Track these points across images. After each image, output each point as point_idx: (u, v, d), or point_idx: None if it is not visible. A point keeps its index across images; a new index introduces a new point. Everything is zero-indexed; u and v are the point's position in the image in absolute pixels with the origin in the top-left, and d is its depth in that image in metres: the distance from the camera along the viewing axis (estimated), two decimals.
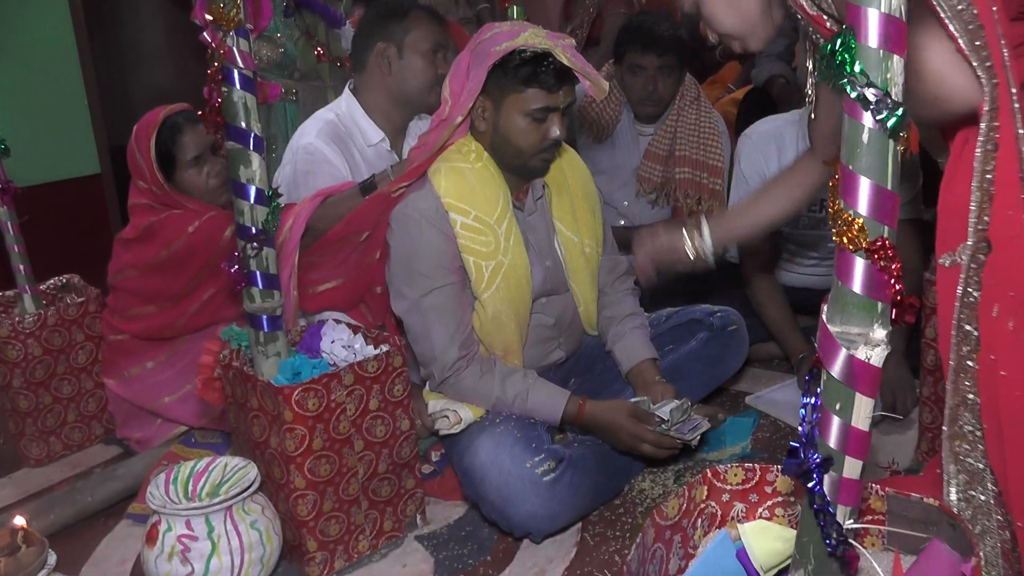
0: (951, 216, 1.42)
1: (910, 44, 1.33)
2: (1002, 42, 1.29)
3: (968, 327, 1.40)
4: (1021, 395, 1.34)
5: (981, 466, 1.41)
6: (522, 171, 2.16)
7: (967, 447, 1.43)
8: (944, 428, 1.44)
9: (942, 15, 1.29)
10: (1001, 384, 1.35)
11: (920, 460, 2.16)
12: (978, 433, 1.41)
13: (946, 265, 1.42)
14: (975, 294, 1.38)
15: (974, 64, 1.29)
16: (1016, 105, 1.31)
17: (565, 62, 2.02)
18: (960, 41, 1.29)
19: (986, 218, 1.36)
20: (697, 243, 2.06)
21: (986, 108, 1.31)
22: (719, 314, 2.42)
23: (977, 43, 1.29)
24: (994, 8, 1.30)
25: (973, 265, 1.38)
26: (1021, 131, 1.32)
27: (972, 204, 1.37)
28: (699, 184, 3.20)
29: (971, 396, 1.41)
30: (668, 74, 3.13)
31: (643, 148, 3.27)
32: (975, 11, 1.29)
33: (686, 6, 1.80)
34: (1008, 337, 1.34)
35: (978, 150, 1.35)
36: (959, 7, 1.29)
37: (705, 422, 2.11)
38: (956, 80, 1.32)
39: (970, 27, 1.29)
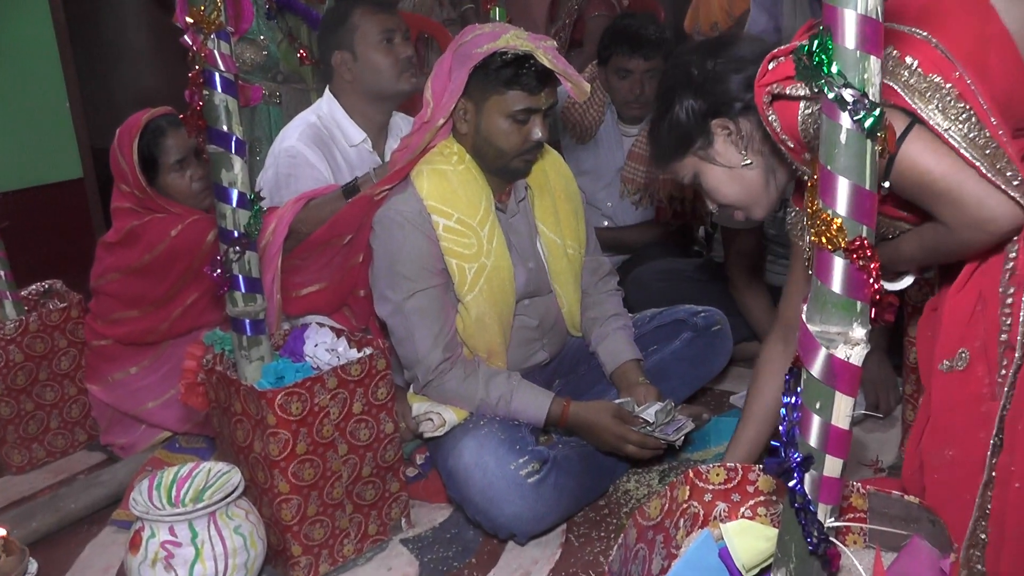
0: (956, 320, 1.45)
1: (936, 176, 1.36)
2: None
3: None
4: None
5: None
6: (504, 173, 2.16)
7: (977, 554, 1.45)
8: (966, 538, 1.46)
9: (956, 147, 1.33)
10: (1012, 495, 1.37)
11: (903, 458, 2.17)
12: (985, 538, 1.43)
13: (943, 371, 1.45)
14: (1007, 406, 1.40)
15: (1001, 186, 1.31)
16: None
17: (547, 64, 2.02)
18: (981, 168, 1.32)
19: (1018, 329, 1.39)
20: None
21: None
22: (703, 314, 2.43)
23: (999, 165, 1.32)
24: (1001, 132, 1.33)
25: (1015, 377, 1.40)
26: None
27: (1001, 321, 1.41)
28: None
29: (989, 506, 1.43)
30: (654, 76, 3.14)
31: (627, 149, 3.27)
32: (987, 133, 1.32)
33: (686, 179, 1.83)
34: None
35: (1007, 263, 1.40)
36: (970, 135, 1.33)
37: (689, 422, 2.12)
38: (995, 199, 1.33)
39: (987, 151, 1.33)
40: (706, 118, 1.72)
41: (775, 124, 1.47)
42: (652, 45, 3.09)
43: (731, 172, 1.74)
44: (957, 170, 1.33)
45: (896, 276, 1.60)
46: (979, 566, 1.44)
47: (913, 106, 1.35)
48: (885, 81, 1.36)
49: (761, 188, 1.74)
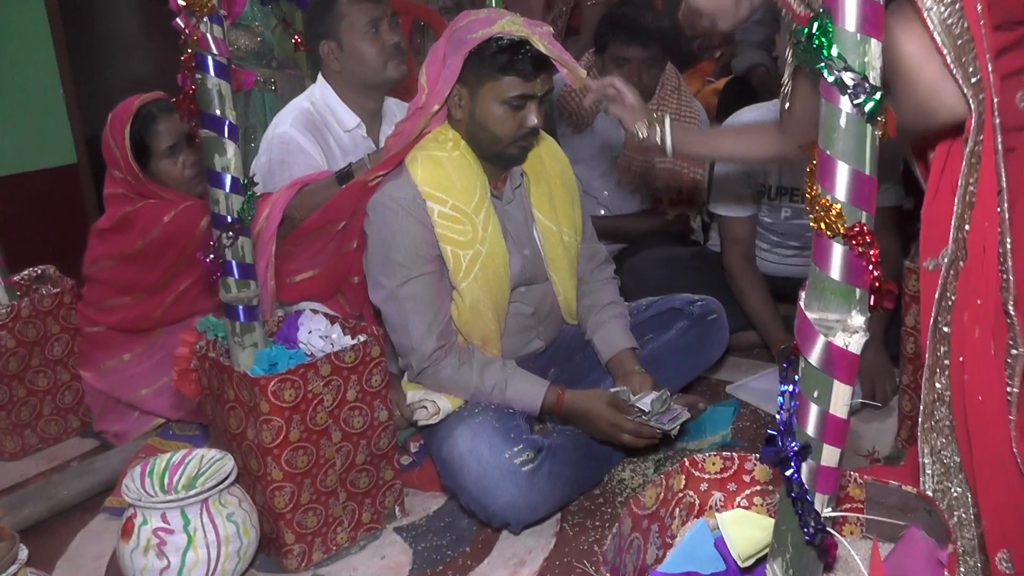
0: (935, 223, 1.44)
1: (902, 53, 1.33)
2: (987, 56, 1.30)
3: (944, 328, 1.42)
4: (983, 400, 1.35)
5: (957, 459, 1.42)
6: (499, 159, 2.14)
7: (943, 440, 1.44)
8: (920, 422, 1.45)
9: (931, 28, 1.29)
10: (966, 386, 1.37)
11: (900, 448, 2.17)
12: (952, 429, 1.42)
13: (929, 269, 1.44)
14: (951, 298, 1.40)
15: (959, 80, 1.29)
16: (996, 120, 1.32)
17: (542, 50, 2.00)
18: (947, 56, 1.29)
19: (966, 227, 1.38)
20: (656, 125, 2.17)
21: (973, 123, 1.32)
22: (699, 303, 2.42)
23: (964, 59, 1.30)
24: (982, 21, 1.30)
25: (952, 271, 1.39)
26: (1000, 146, 1.33)
27: (954, 214, 1.38)
28: (679, 173, 3.19)
29: (947, 394, 1.42)
30: (652, 65, 3.12)
31: (623, 137, 3.25)
32: (966, 24, 1.29)
33: None
34: (974, 343, 1.36)
35: (964, 163, 1.36)
36: (948, 20, 1.30)
37: (685, 412, 2.11)
38: (947, 93, 1.32)
39: (959, 42, 1.29)
40: None
41: None
42: (650, 34, 3.07)
43: None
44: (923, 53, 1.32)
45: None
46: (943, 452, 1.44)
47: None
48: None
49: (731, 2, 1.74)
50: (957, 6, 1.30)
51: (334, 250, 2.31)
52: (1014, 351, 1.36)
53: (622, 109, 2.19)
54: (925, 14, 1.30)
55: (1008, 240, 1.35)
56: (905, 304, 2.06)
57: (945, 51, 1.29)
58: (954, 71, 1.30)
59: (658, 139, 2.16)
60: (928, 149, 1.50)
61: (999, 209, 1.35)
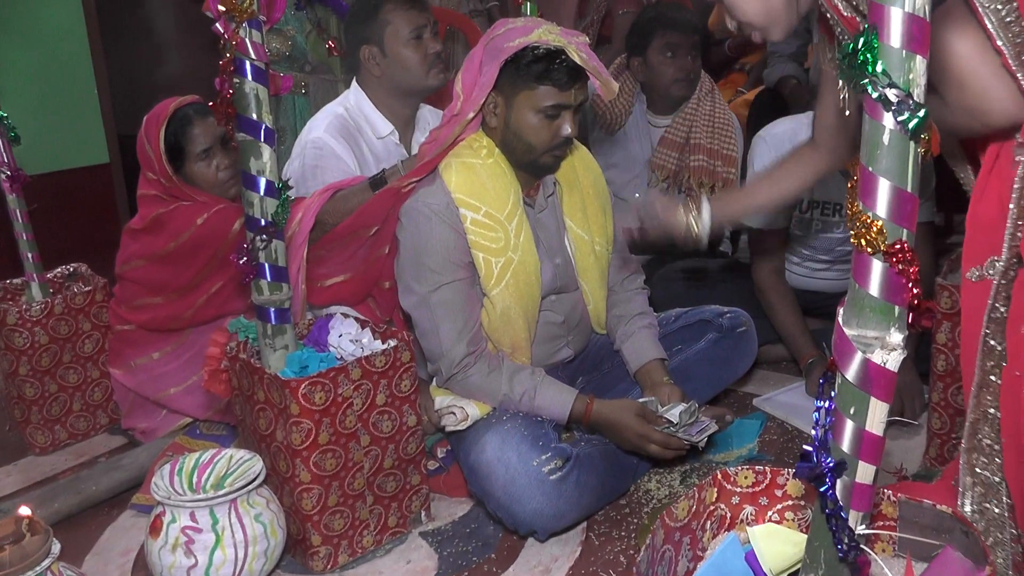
0: (982, 229, 1.40)
1: (954, 53, 1.31)
2: None
3: (993, 342, 1.38)
4: None
5: (997, 479, 1.40)
6: (533, 168, 2.14)
7: (984, 460, 1.42)
8: (963, 441, 1.43)
9: (989, 27, 1.27)
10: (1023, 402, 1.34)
11: (928, 466, 2.15)
12: (996, 447, 1.40)
13: (972, 279, 1.41)
14: (1003, 309, 1.37)
15: (1020, 79, 1.27)
16: None
17: (578, 60, 2.01)
18: (1007, 55, 1.27)
19: (1019, 234, 1.35)
20: (693, 219, 2.05)
21: None
22: (728, 315, 2.41)
23: (1023, 57, 1.27)
24: None
25: (1003, 280, 1.36)
26: None
27: (1008, 219, 1.35)
28: (713, 172, 3.20)
29: (992, 410, 1.39)
30: (697, 55, 3.17)
31: (655, 141, 3.27)
32: None
33: None
34: None
35: (1020, 167, 1.33)
36: (1007, 19, 1.27)
37: (713, 424, 2.10)
38: (1000, 94, 1.30)
39: (1018, 40, 1.27)
40: None
41: None
42: (691, 25, 3.17)
43: None
44: (979, 53, 1.29)
45: None
46: (984, 472, 1.41)
47: None
48: None
49: (782, 8, 1.65)
50: (1014, 4, 1.28)
51: (365, 255, 2.32)
52: None
53: (660, 218, 2.10)
54: (982, 12, 1.28)
55: None
56: (936, 321, 2.05)
57: (1005, 50, 1.27)
58: (1014, 70, 1.28)
59: (696, 229, 2.05)
60: (975, 151, 1.48)
61: None
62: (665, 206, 2.09)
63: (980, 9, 1.28)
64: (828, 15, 1.51)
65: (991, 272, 1.38)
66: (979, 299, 1.39)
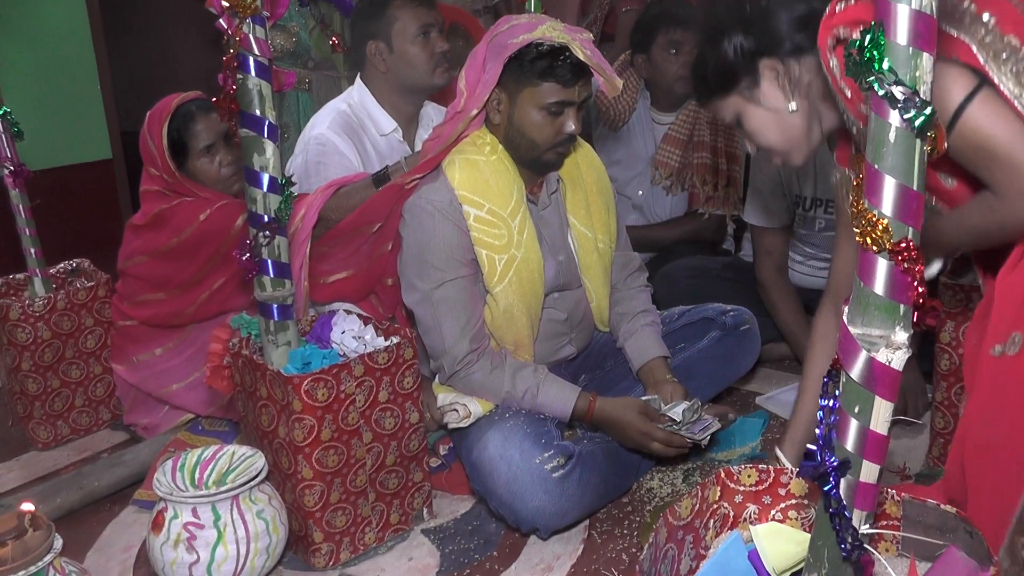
0: (1011, 304, 1.38)
1: (993, 137, 1.30)
2: None
3: None
4: None
5: None
6: (536, 165, 2.14)
7: None
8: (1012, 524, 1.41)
9: (1007, 93, 1.28)
10: None
11: (931, 465, 2.14)
12: None
13: (994, 355, 1.38)
14: None
15: None
16: None
17: (582, 57, 2.00)
18: None
19: None
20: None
21: None
22: (731, 313, 2.41)
23: None
24: None
25: None
26: None
27: None
28: (717, 170, 3.20)
29: None
30: None
31: (659, 138, 3.27)
32: None
33: (727, 117, 1.77)
34: None
35: None
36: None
37: (715, 422, 2.10)
38: None
39: None
40: (754, 57, 1.66)
41: (835, 70, 1.39)
42: (696, 22, 3.11)
43: (775, 116, 1.68)
44: (1021, 137, 1.28)
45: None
46: None
47: (986, 68, 1.30)
48: (960, 36, 1.32)
49: (803, 135, 1.67)
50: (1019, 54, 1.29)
51: (368, 252, 2.32)
52: None
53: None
54: (1016, 103, 1.29)
55: None
56: (940, 320, 2.04)
57: None
58: None
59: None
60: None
61: None
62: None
63: (1015, 102, 1.29)
64: (854, 130, 1.48)
65: (1012, 350, 1.35)
66: (1008, 374, 1.36)
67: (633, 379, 2.31)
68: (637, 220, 3.36)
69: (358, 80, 2.59)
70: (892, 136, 0.92)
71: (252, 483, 1.84)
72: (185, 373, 2.58)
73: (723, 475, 1.33)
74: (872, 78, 0.91)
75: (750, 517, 1.32)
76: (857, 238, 0.95)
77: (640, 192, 3.34)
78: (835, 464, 1.00)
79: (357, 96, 2.57)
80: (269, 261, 1.86)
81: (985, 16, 1.31)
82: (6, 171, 2.57)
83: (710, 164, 3.20)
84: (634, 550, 1.99)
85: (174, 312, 2.56)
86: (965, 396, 1.53)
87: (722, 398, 2.56)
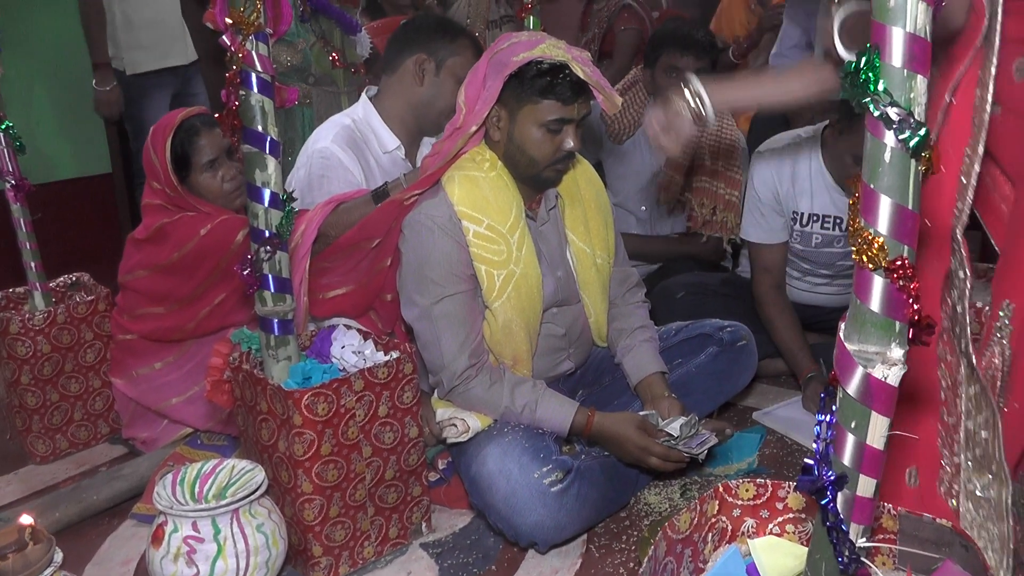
0: None
1: None
2: None
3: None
4: None
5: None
6: (535, 181, 2.16)
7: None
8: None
9: None
10: None
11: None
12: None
13: None
14: None
15: None
16: None
17: (581, 75, 2.03)
18: None
19: None
20: (693, 98, 2.10)
21: None
22: (729, 329, 2.42)
23: None
24: None
25: None
26: None
27: None
28: (715, 194, 3.21)
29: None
30: (708, 73, 3.18)
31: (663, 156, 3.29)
32: None
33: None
34: None
35: None
36: None
37: (713, 437, 2.11)
38: None
39: None
40: None
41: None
42: (702, 46, 3.14)
43: None
44: None
45: None
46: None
47: None
48: None
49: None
50: None
51: (368, 267, 2.33)
52: None
53: (662, 133, 2.16)
54: None
55: None
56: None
57: None
58: None
59: (701, 110, 2.09)
60: None
61: None
62: (663, 112, 2.14)
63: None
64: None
65: None
66: None
67: (631, 394, 2.32)
68: (639, 231, 3.38)
69: (363, 97, 2.59)
70: (887, 156, 0.94)
71: (252, 497, 1.84)
72: (184, 387, 2.58)
73: (721, 489, 1.34)
74: (868, 99, 0.93)
75: (748, 531, 1.34)
76: (853, 256, 0.97)
77: (643, 208, 3.36)
78: (832, 479, 1.01)
79: (361, 112, 2.57)
80: (270, 276, 1.88)
81: None
82: (7, 185, 2.58)
83: (709, 188, 3.21)
84: (632, 564, 2.00)
85: (174, 327, 2.56)
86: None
87: (719, 414, 2.57)
